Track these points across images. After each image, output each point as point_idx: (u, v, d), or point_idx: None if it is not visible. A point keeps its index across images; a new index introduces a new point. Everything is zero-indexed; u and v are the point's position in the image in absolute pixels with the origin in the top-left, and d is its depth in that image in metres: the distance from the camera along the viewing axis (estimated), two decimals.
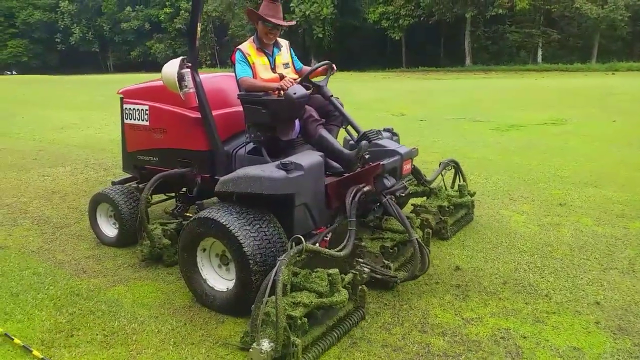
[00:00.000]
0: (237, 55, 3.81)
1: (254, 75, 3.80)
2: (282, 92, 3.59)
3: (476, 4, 38.43)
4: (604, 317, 3.03)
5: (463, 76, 32.24)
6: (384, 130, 4.12)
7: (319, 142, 3.67)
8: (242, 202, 3.17)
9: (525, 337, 2.84)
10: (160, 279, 3.72)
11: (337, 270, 2.77)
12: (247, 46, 3.88)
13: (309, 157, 3.28)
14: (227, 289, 3.16)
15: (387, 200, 3.43)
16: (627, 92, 16.72)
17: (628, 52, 37.98)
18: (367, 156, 3.55)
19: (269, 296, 2.51)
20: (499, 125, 10.98)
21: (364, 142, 3.54)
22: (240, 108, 3.91)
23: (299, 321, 2.54)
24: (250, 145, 3.84)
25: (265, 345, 2.40)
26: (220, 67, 51.16)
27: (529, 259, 3.91)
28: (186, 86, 3.73)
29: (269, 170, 3.07)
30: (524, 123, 11.24)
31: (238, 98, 3.85)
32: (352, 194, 3.25)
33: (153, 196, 4.13)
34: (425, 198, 4.60)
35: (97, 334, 2.96)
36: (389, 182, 3.47)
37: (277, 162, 3.13)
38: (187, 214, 4.30)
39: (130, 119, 4.38)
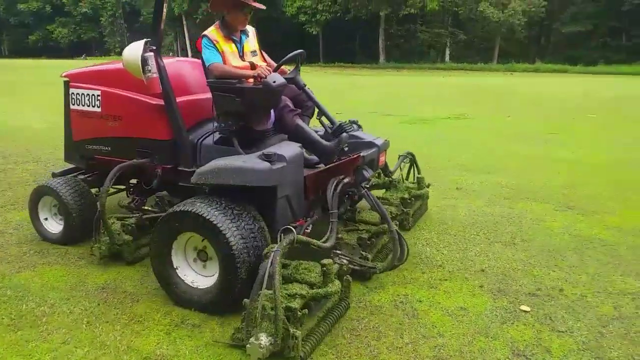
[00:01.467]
0: (204, 42, 3.53)
1: (224, 63, 3.54)
2: (258, 80, 3.43)
3: (390, 2, 39.84)
4: (487, 281, 3.46)
5: (377, 73, 33.46)
6: (350, 122, 3.96)
7: (296, 132, 3.55)
8: (219, 195, 2.99)
9: (420, 301, 3.18)
10: (71, 263, 3.67)
11: (331, 260, 2.74)
12: (214, 32, 3.58)
13: (290, 148, 3.18)
14: (192, 282, 3.02)
15: (365, 191, 3.41)
16: (522, 92, 18.36)
17: (524, 55, 41.45)
18: (346, 148, 3.51)
19: (263, 289, 2.42)
20: (408, 119, 11.65)
21: (344, 134, 3.49)
22: (203, 95, 3.73)
23: (299, 313, 2.46)
24: (217, 135, 3.57)
25: (264, 339, 2.32)
26: None
27: (427, 235, 4.32)
28: (149, 71, 3.45)
29: (252, 161, 2.94)
30: (430, 118, 12.01)
31: (208, 85, 3.58)
32: (333, 186, 3.23)
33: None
34: (384, 190, 4.62)
35: (4, 318, 2.90)
36: (367, 173, 3.49)
37: (259, 153, 3.01)
38: (145, 207, 4.02)
39: (78, 105, 4.01)
